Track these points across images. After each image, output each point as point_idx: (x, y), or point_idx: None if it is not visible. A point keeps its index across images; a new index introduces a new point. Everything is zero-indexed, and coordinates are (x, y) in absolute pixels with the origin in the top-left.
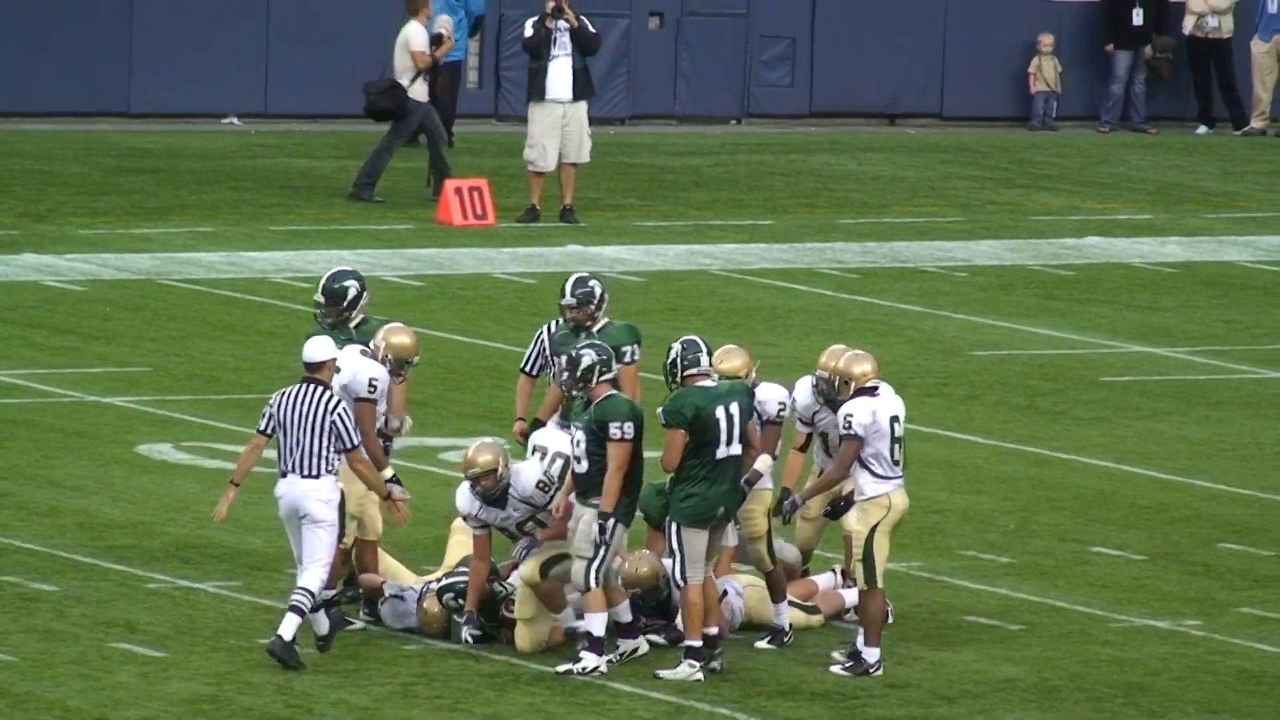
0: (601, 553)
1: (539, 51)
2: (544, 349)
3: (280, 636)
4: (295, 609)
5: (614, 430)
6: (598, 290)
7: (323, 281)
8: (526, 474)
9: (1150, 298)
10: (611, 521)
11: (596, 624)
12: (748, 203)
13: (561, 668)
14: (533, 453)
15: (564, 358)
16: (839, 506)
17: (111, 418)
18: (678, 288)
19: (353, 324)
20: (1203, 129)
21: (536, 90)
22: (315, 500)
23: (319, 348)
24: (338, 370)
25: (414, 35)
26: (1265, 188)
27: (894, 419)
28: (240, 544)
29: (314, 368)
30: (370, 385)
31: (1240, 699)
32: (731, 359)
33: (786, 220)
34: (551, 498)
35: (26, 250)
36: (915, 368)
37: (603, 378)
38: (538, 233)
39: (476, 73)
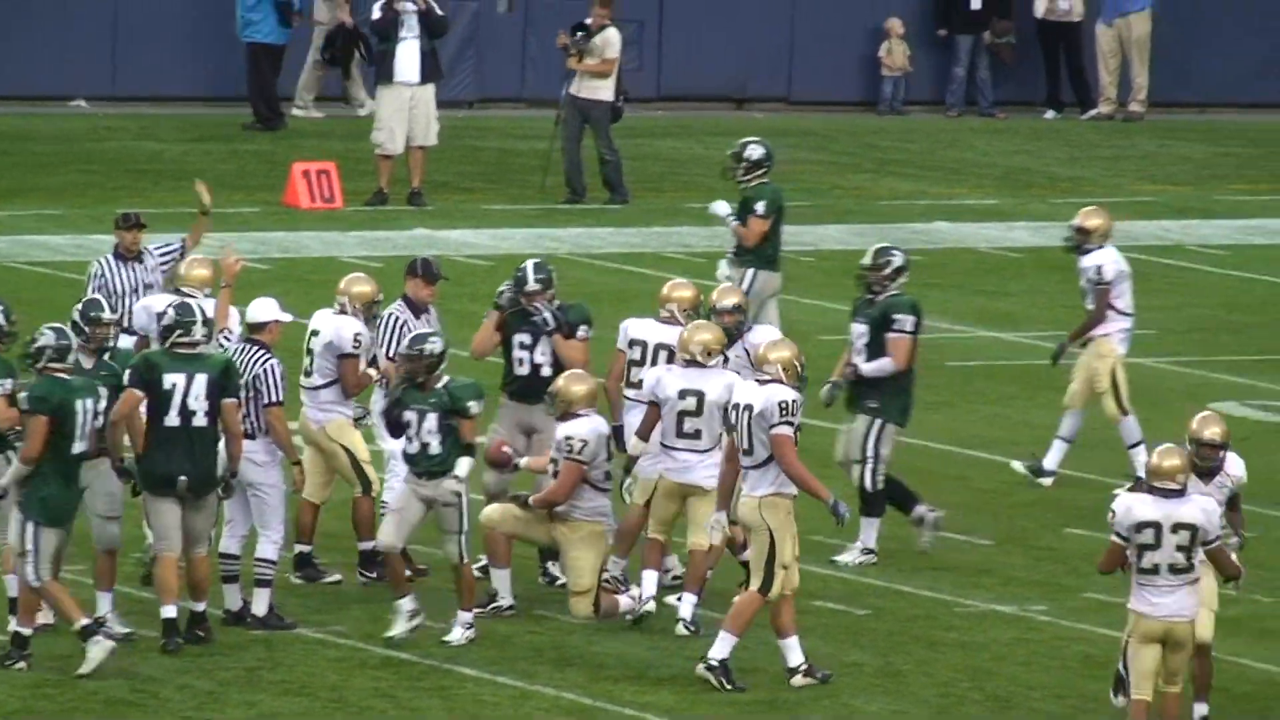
0: None
1: (387, 34)
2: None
3: (255, 615)
4: (262, 582)
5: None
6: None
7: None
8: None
9: (997, 283)
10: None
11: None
12: (596, 186)
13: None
14: (630, 346)
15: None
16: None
17: None
18: None
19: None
20: (1051, 114)
21: (384, 73)
22: (248, 464)
23: (263, 309)
24: (316, 333)
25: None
26: (1111, 172)
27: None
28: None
29: (257, 328)
30: (355, 340)
31: (1086, 684)
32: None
33: (633, 204)
34: None
35: None
36: None
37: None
38: (385, 216)
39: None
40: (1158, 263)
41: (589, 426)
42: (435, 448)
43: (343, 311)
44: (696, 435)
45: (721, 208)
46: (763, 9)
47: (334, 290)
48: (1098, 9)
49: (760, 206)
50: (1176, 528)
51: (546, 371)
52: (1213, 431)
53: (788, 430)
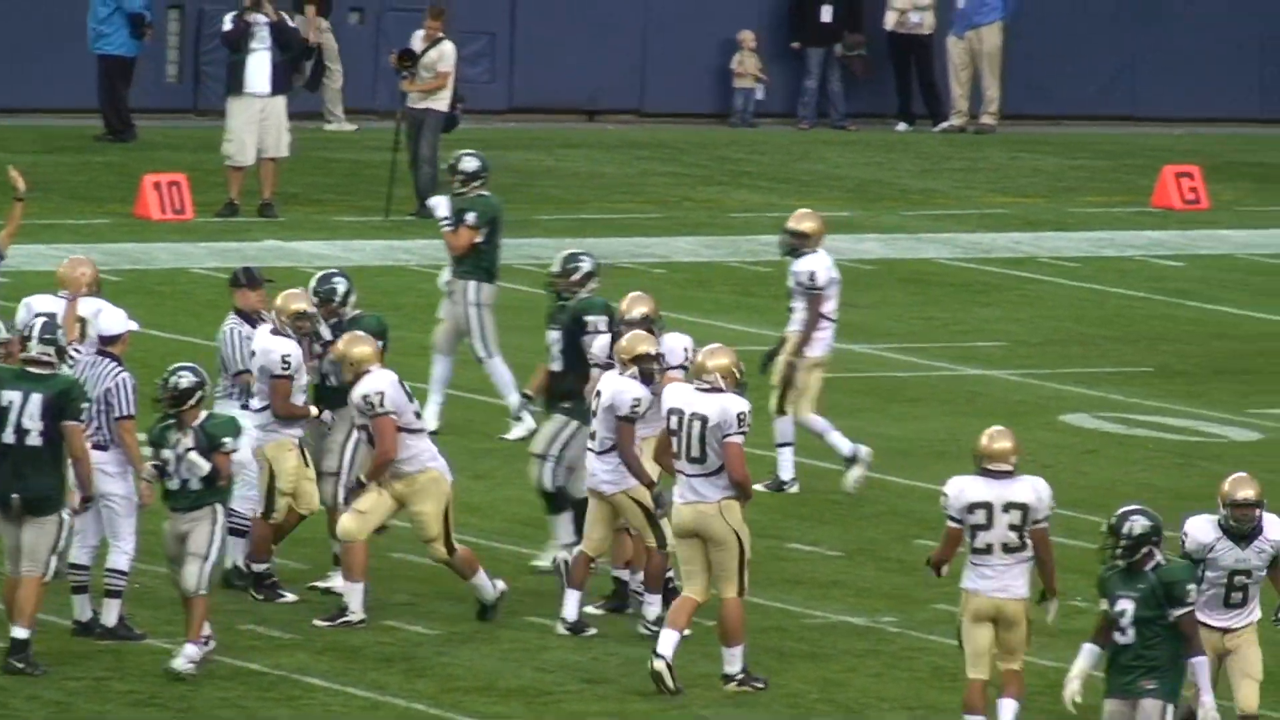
0: None
1: (238, 45)
2: None
3: (104, 625)
4: (112, 592)
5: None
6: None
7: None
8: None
9: (848, 295)
10: None
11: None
12: None
13: None
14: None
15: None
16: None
17: None
18: (375, 283)
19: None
20: (902, 126)
21: (235, 84)
22: (99, 474)
23: (114, 320)
24: (253, 354)
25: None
26: (962, 185)
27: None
28: None
29: (109, 340)
30: (283, 362)
31: (936, 695)
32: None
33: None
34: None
35: None
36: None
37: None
38: (236, 227)
39: (176, 66)
40: (1009, 274)
41: (379, 379)
42: (194, 484)
43: (277, 332)
44: (593, 437)
45: (440, 208)
46: (615, 21)
47: (184, 302)
48: (948, 22)
49: (470, 217)
50: (1008, 507)
51: (332, 381)
52: (1246, 493)
53: (742, 440)
